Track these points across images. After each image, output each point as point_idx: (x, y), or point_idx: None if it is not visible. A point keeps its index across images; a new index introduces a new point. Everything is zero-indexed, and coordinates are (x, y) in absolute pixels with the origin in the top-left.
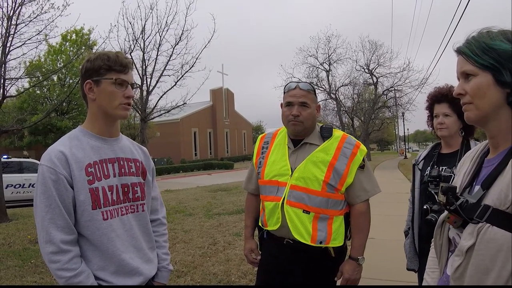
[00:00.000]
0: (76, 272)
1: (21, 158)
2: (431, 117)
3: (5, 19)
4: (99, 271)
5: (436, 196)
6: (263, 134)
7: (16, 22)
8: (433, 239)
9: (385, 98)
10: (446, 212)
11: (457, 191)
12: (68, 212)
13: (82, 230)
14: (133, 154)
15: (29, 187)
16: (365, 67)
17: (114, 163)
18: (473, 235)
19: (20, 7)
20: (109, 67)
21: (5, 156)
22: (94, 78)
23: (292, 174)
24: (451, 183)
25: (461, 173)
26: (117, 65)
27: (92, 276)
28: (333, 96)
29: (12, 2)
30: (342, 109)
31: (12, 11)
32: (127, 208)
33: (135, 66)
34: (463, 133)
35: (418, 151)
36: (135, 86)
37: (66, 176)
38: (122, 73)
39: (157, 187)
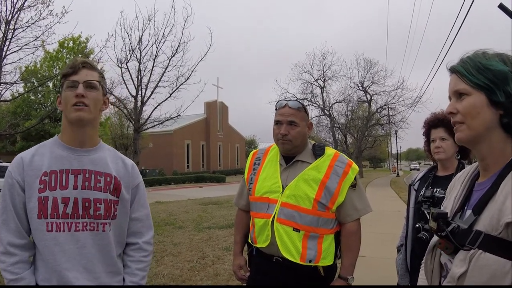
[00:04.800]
0: (17, 277)
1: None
2: (427, 142)
3: (3, 23)
4: (44, 281)
5: (428, 216)
6: (255, 150)
7: (14, 27)
8: (423, 262)
9: (379, 115)
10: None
11: (448, 215)
12: (19, 217)
13: (33, 237)
14: (107, 168)
15: None
16: (360, 85)
17: (78, 175)
18: (465, 262)
19: (18, 12)
20: (63, 75)
21: None
22: (60, 90)
23: (283, 191)
24: (441, 206)
25: (451, 197)
26: (68, 69)
27: (34, 284)
28: (327, 112)
29: (11, 7)
30: (335, 125)
31: (10, 15)
32: (84, 224)
33: (131, 76)
34: (459, 156)
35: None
36: (97, 85)
37: (18, 181)
38: (73, 75)
39: (144, 207)
